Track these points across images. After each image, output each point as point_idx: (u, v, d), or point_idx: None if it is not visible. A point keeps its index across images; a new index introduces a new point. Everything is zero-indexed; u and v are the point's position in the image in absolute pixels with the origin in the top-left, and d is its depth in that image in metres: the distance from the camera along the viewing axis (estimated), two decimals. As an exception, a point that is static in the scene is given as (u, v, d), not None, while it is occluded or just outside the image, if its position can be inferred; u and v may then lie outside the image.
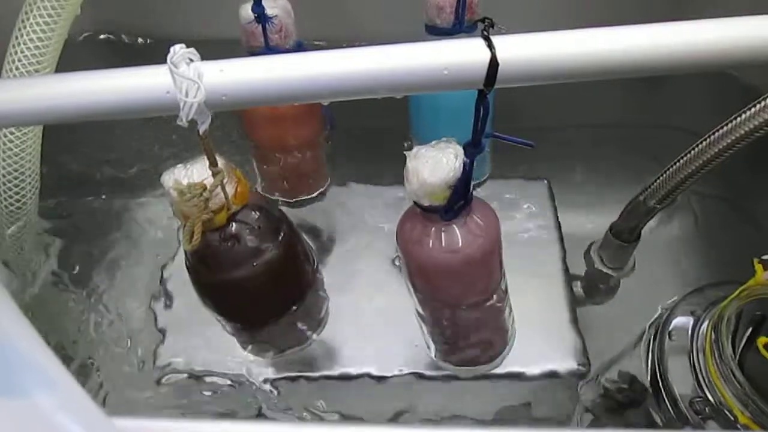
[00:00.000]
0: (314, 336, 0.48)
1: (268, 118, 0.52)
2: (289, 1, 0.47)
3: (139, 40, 0.67)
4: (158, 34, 0.67)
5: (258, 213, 0.39)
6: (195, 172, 0.34)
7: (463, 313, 0.42)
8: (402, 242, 0.39)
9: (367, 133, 0.65)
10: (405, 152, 0.35)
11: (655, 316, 0.53)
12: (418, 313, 0.44)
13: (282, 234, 0.40)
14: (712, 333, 0.43)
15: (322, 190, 0.61)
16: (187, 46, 0.26)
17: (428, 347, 0.49)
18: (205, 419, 0.36)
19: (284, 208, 0.59)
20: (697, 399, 0.43)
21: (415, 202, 0.36)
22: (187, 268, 0.40)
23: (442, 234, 0.37)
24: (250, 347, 0.49)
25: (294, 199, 0.61)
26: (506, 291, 0.44)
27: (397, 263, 0.58)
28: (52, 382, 0.20)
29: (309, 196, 0.61)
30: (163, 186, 0.34)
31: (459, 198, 0.35)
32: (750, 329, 0.43)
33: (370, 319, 0.55)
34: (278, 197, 0.60)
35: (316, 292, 0.46)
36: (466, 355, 0.48)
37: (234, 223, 0.37)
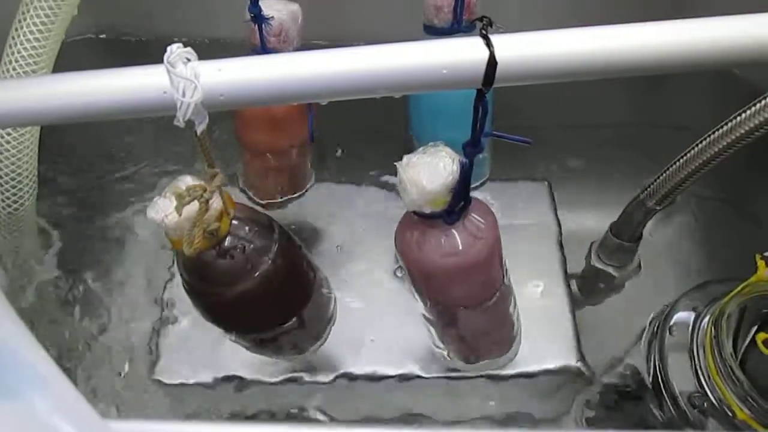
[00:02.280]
0: (325, 334, 0.48)
1: (262, 120, 0.52)
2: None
3: (136, 40, 0.67)
4: (155, 34, 0.67)
5: (248, 221, 0.38)
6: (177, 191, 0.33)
7: (470, 312, 0.42)
8: (402, 249, 0.38)
9: (366, 132, 0.65)
10: (395, 163, 0.34)
11: (656, 313, 0.53)
12: (425, 316, 0.44)
13: (276, 237, 0.39)
14: (713, 328, 0.43)
15: (305, 190, 0.61)
16: (185, 46, 0.26)
17: (438, 348, 0.49)
18: (200, 422, 0.36)
19: (270, 210, 0.59)
20: (696, 394, 0.43)
21: (414, 212, 0.36)
22: (187, 290, 0.39)
23: (443, 238, 0.36)
24: (259, 352, 0.49)
25: (283, 199, 0.60)
26: (510, 286, 0.44)
27: (398, 274, 0.57)
28: (46, 383, 0.20)
29: (294, 196, 0.60)
30: (153, 220, 0.33)
31: (460, 200, 0.35)
32: (755, 327, 0.43)
33: (370, 318, 0.55)
34: (263, 199, 0.60)
35: (321, 289, 0.45)
36: (477, 353, 0.48)
37: (228, 236, 0.36)
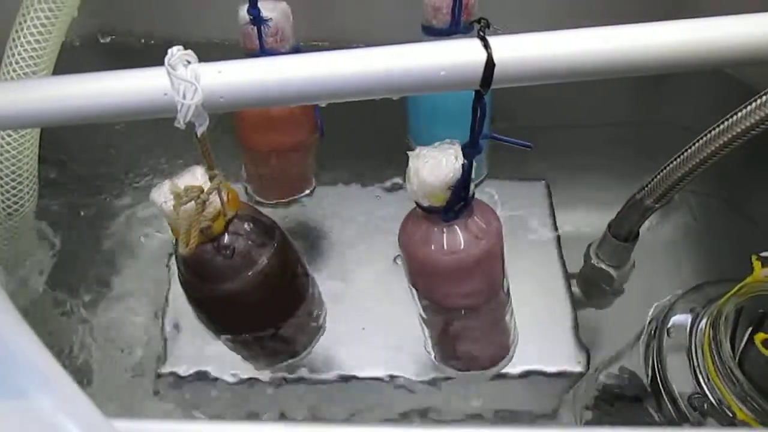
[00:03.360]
0: (313, 343, 0.48)
1: (263, 121, 0.52)
2: (289, 4, 0.47)
3: (137, 42, 0.67)
4: (156, 36, 0.67)
5: (249, 221, 0.39)
6: (184, 183, 0.34)
7: (465, 315, 0.42)
8: (404, 243, 0.39)
9: (365, 134, 0.65)
10: (408, 152, 0.35)
11: (654, 314, 0.53)
12: (421, 316, 0.44)
13: (275, 240, 0.40)
14: (711, 330, 0.43)
15: (309, 191, 0.61)
16: (185, 49, 0.26)
17: (430, 351, 0.49)
18: (203, 421, 0.36)
19: (273, 209, 0.59)
20: (696, 395, 0.43)
21: (416, 203, 0.36)
22: (181, 282, 0.39)
23: (444, 236, 0.37)
24: (249, 359, 0.49)
25: (285, 200, 0.60)
26: (508, 294, 0.44)
27: (398, 262, 0.58)
28: (50, 383, 0.20)
29: (296, 197, 0.61)
30: (155, 203, 0.33)
31: (458, 199, 0.35)
32: (751, 328, 0.43)
33: (369, 321, 0.55)
34: (267, 199, 0.60)
35: (312, 297, 0.46)
36: (467, 359, 0.48)
37: (227, 234, 0.37)
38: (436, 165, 0.33)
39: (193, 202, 0.32)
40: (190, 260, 0.37)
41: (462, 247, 0.37)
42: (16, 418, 0.18)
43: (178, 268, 0.39)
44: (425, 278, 0.40)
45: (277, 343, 0.45)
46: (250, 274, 0.38)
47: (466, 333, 0.44)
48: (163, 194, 0.33)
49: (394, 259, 0.58)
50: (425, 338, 0.47)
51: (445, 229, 0.37)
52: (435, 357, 0.49)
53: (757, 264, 0.42)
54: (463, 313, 0.42)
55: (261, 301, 0.40)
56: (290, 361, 0.48)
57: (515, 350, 0.49)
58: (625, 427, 0.31)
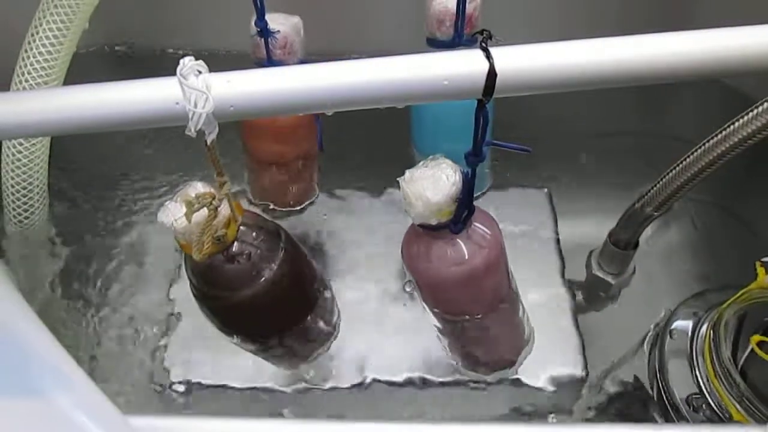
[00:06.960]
0: (328, 343, 0.49)
1: (268, 131, 0.53)
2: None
3: (147, 53, 0.68)
4: (166, 47, 0.68)
5: (256, 226, 0.39)
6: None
7: (479, 321, 0.42)
8: (409, 261, 0.39)
9: (368, 141, 0.66)
10: (398, 179, 0.35)
11: (656, 320, 0.54)
12: (437, 327, 0.45)
13: (282, 244, 0.40)
14: (711, 334, 0.44)
15: (312, 200, 0.62)
16: (196, 59, 0.27)
17: (449, 357, 0.49)
18: (216, 417, 0.36)
19: (276, 218, 0.60)
20: (695, 396, 0.44)
21: (420, 225, 0.36)
22: (197, 296, 0.40)
23: (449, 248, 0.37)
24: (263, 357, 0.49)
25: (287, 209, 0.61)
26: (517, 292, 0.45)
27: (407, 289, 0.58)
28: (68, 381, 0.20)
29: (301, 206, 0.61)
30: (164, 224, 0.34)
31: (464, 209, 0.35)
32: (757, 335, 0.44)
33: (374, 325, 0.56)
34: (272, 208, 0.60)
35: (325, 297, 0.46)
36: (488, 362, 0.48)
37: (239, 240, 0.37)
38: (436, 183, 0.34)
39: (205, 208, 0.33)
40: (204, 270, 0.38)
41: (467, 256, 0.37)
42: (36, 415, 0.19)
43: (192, 282, 0.39)
44: (435, 292, 0.40)
45: (295, 343, 0.45)
46: (267, 276, 0.38)
47: (482, 337, 0.44)
48: (170, 214, 0.34)
49: (403, 287, 0.58)
50: (444, 347, 0.47)
51: (448, 241, 0.37)
52: (458, 364, 0.49)
53: (761, 270, 0.42)
54: (477, 318, 0.42)
55: (281, 302, 0.41)
56: (307, 362, 0.48)
57: (532, 346, 0.49)
58: (623, 425, 0.31)
